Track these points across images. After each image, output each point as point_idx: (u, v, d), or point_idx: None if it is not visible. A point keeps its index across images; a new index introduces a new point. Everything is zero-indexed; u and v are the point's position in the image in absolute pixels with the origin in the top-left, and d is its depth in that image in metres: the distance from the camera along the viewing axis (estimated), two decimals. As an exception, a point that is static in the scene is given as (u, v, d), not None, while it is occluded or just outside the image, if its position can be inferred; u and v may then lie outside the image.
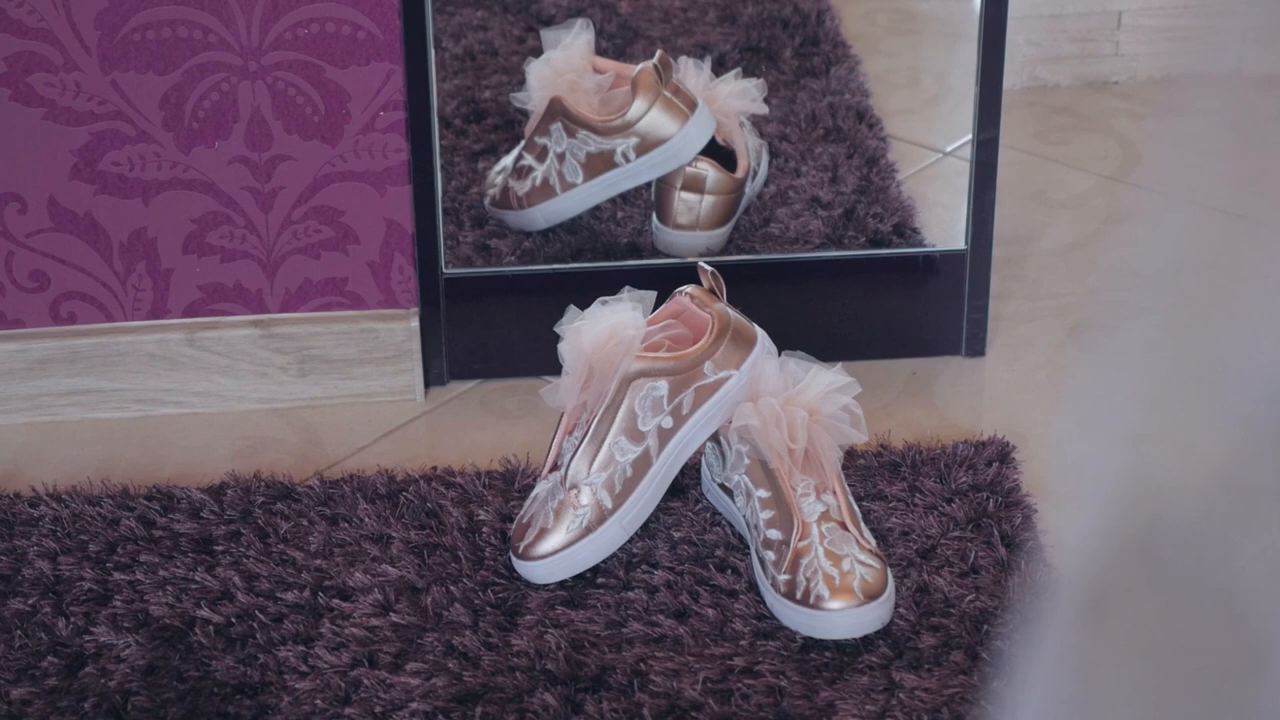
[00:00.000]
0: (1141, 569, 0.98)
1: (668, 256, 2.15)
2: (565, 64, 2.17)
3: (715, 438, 1.84)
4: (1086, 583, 1.01)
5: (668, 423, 1.80)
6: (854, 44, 2.50)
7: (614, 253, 2.17)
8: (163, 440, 2.01)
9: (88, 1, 1.89)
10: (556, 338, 1.83)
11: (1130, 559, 0.98)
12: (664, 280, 1.91)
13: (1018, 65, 2.58)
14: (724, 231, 2.17)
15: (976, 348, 2.11)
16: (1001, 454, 1.93)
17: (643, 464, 1.80)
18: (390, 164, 1.98)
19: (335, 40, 1.93)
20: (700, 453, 1.87)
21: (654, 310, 1.85)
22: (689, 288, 1.85)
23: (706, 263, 1.88)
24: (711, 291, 1.84)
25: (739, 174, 2.17)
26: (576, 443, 1.80)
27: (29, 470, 1.96)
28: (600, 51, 2.33)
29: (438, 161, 2.00)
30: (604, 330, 1.80)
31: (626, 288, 1.84)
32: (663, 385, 1.79)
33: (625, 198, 2.21)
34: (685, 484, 1.89)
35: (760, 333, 1.83)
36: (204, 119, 1.94)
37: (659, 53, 2.14)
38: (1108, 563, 0.99)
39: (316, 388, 2.05)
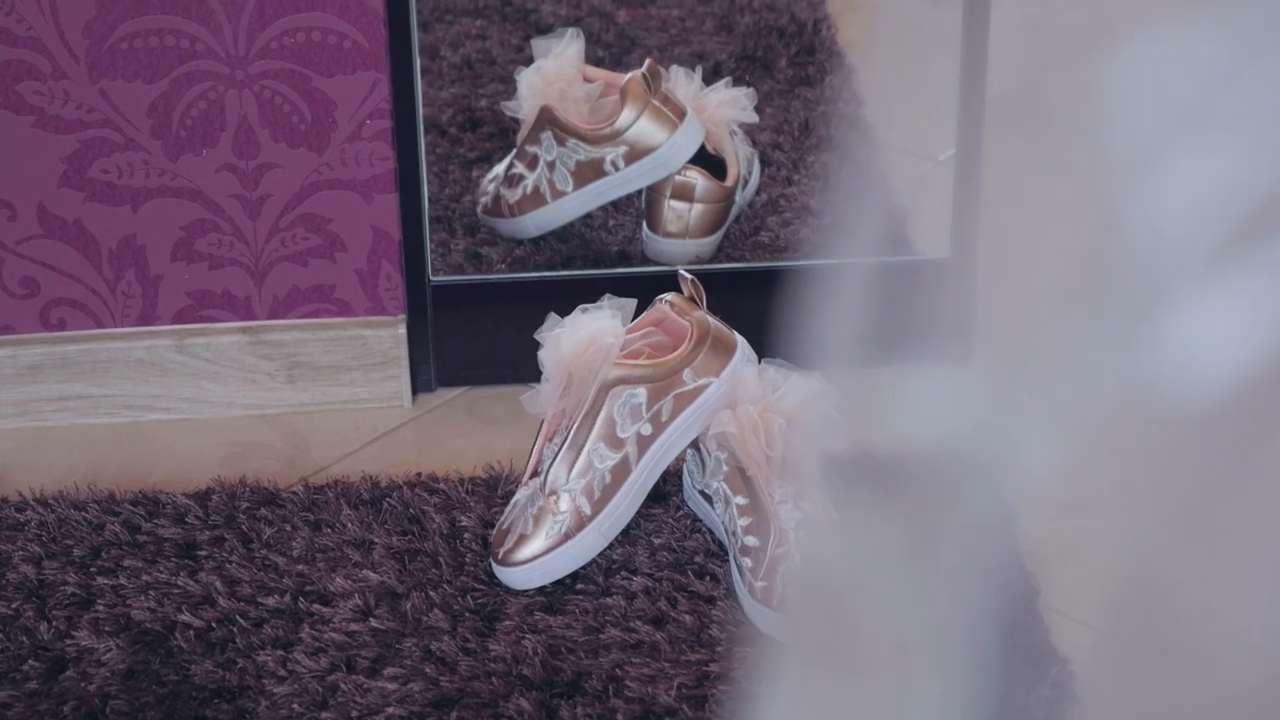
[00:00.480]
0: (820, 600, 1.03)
1: (658, 264, 2.16)
2: (555, 72, 2.18)
3: (695, 445, 1.84)
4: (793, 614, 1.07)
5: (647, 430, 1.80)
6: (850, 53, 2.50)
7: (605, 261, 2.17)
8: (151, 446, 2.02)
9: (76, 10, 1.90)
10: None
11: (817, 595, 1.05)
12: (654, 288, 1.92)
13: (1013, 73, 2.58)
14: (714, 240, 2.18)
15: (960, 355, 2.11)
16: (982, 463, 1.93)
17: (621, 471, 1.80)
18: (377, 172, 1.99)
19: (321, 49, 1.94)
20: (681, 459, 1.87)
21: (635, 318, 1.85)
22: (669, 295, 1.86)
23: (687, 271, 1.89)
24: (692, 299, 1.85)
25: (728, 182, 2.18)
26: (556, 449, 1.81)
27: (18, 475, 1.97)
28: (597, 60, 2.34)
29: (424, 169, 2.01)
30: (583, 337, 1.81)
31: (606, 295, 1.85)
32: (641, 392, 1.80)
33: (616, 206, 2.21)
34: (667, 490, 1.89)
35: (740, 340, 1.84)
36: (191, 127, 1.96)
37: (648, 61, 2.15)
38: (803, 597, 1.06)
39: (304, 394, 2.06)
